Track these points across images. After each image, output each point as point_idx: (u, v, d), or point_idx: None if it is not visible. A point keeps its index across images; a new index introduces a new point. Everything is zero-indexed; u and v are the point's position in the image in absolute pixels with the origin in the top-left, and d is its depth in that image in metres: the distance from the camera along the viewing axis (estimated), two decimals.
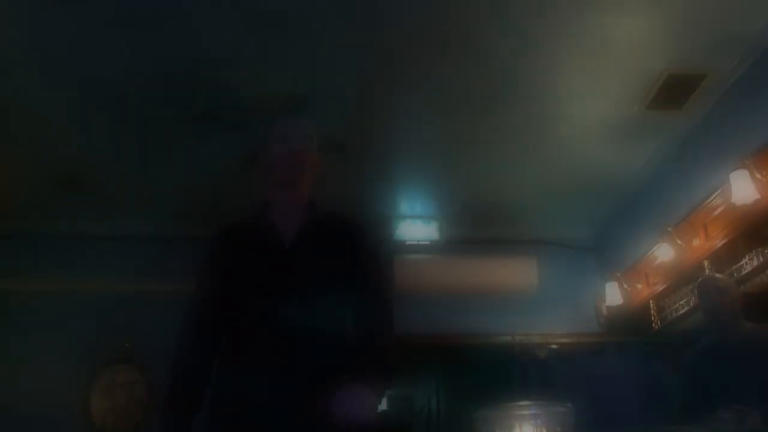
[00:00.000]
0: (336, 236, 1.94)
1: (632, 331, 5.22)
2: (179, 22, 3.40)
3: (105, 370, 5.13)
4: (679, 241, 4.13)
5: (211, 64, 3.73)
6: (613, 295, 4.99)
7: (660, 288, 4.48)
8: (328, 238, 1.93)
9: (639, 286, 4.82)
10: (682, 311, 4.29)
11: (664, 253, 4.27)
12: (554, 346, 5.35)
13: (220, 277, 1.88)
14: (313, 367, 1.73)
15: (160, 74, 3.79)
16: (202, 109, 4.03)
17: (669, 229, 4.22)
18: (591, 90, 3.94)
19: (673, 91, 3.94)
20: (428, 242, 5.55)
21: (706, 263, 3.91)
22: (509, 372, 5.42)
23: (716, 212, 3.80)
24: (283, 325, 1.76)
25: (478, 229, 5.70)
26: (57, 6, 3.23)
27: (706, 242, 3.90)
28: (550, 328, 5.49)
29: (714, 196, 3.78)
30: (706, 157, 4.10)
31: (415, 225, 5.53)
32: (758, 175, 3.35)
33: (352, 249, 1.93)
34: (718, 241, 3.76)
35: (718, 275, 3.48)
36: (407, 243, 5.52)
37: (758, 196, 3.32)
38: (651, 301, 4.69)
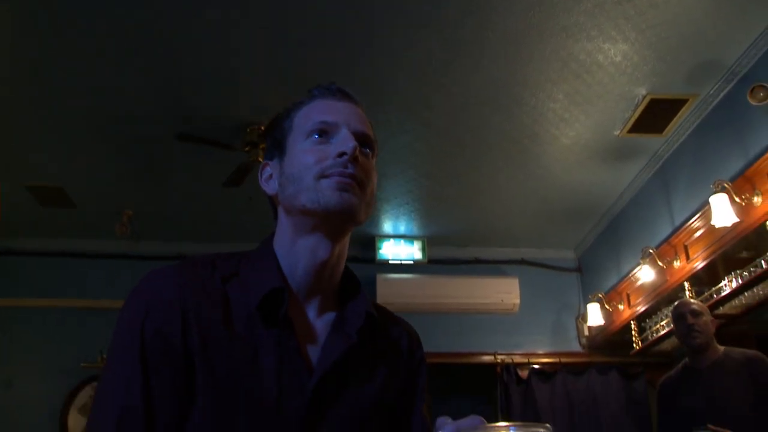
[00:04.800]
0: (389, 355, 1.12)
1: (613, 352, 5.27)
2: (163, 44, 3.41)
3: (84, 388, 5.05)
4: (660, 263, 4.16)
5: (193, 85, 3.74)
6: (594, 315, 5.02)
7: (641, 309, 4.51)
8: (378, 358, 1.09)
9: (621, 306, 4.86)
10: (662, 332, 4.32)
11: (645, 274, 4.31)
12: (536, 366, 5.36)
13: (182, 397, 0.96)
14: None
15: (143, 93, 3.78)
16: (185, 129, 4.02)
17: (651, 250, 4.26)
18: (575, 113, 3.99)
19: (656, 115, 4.00)
20: (412, 262, 5.56)
21: (686, 285, 3.95)
22: (491, 392, 5.44)
23: (697, 234, 3.85)
24: None
25: (462, 249, 5.76)
26: (44, 23, 3.24)
27: (687, 264, 3.94)
28: (533, 347, 5.51)
29: (695, 218, 3.83)
30: (687, 179, 4.16)
31: (399, 245, 5.55)
32: (738, 199, 3.39)
33: (412, 386, 1.15)
34: (699, 263, 3.80)
35: (692, 299, 3.52)
36: (391, 262, 5.53)
37: (737, 220, 3.36)
38: (632, 322, 4.71)
